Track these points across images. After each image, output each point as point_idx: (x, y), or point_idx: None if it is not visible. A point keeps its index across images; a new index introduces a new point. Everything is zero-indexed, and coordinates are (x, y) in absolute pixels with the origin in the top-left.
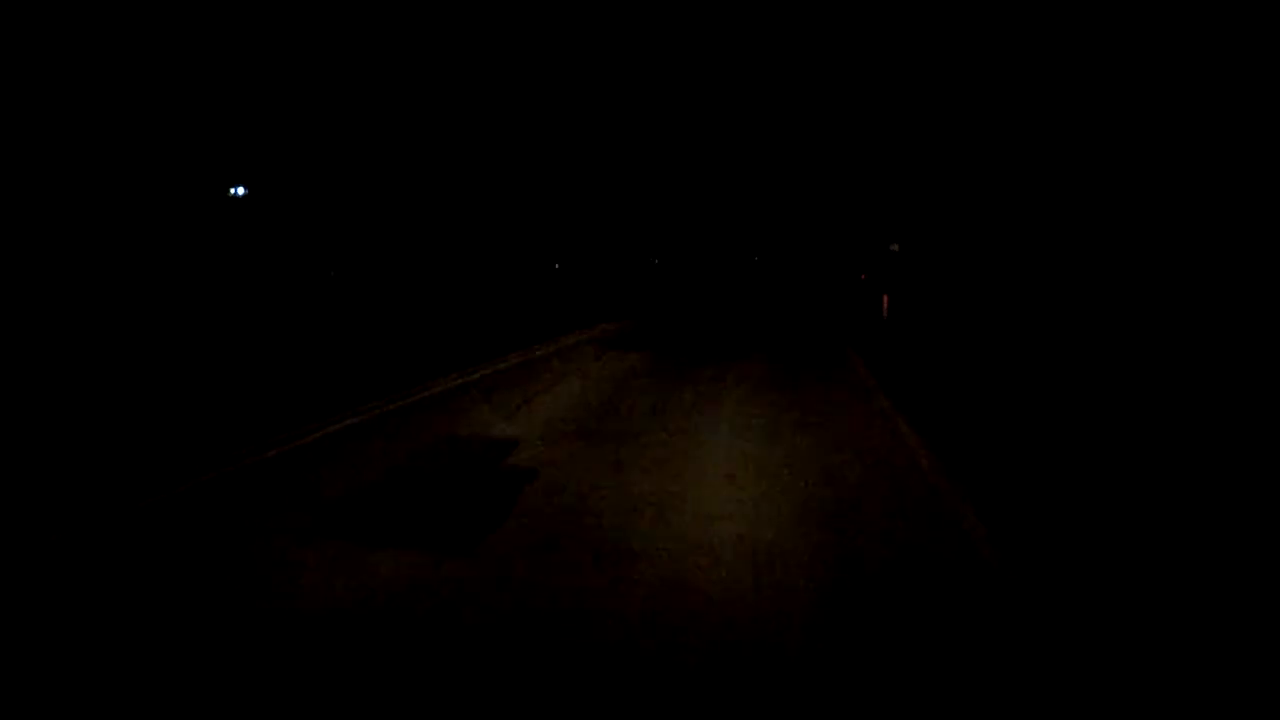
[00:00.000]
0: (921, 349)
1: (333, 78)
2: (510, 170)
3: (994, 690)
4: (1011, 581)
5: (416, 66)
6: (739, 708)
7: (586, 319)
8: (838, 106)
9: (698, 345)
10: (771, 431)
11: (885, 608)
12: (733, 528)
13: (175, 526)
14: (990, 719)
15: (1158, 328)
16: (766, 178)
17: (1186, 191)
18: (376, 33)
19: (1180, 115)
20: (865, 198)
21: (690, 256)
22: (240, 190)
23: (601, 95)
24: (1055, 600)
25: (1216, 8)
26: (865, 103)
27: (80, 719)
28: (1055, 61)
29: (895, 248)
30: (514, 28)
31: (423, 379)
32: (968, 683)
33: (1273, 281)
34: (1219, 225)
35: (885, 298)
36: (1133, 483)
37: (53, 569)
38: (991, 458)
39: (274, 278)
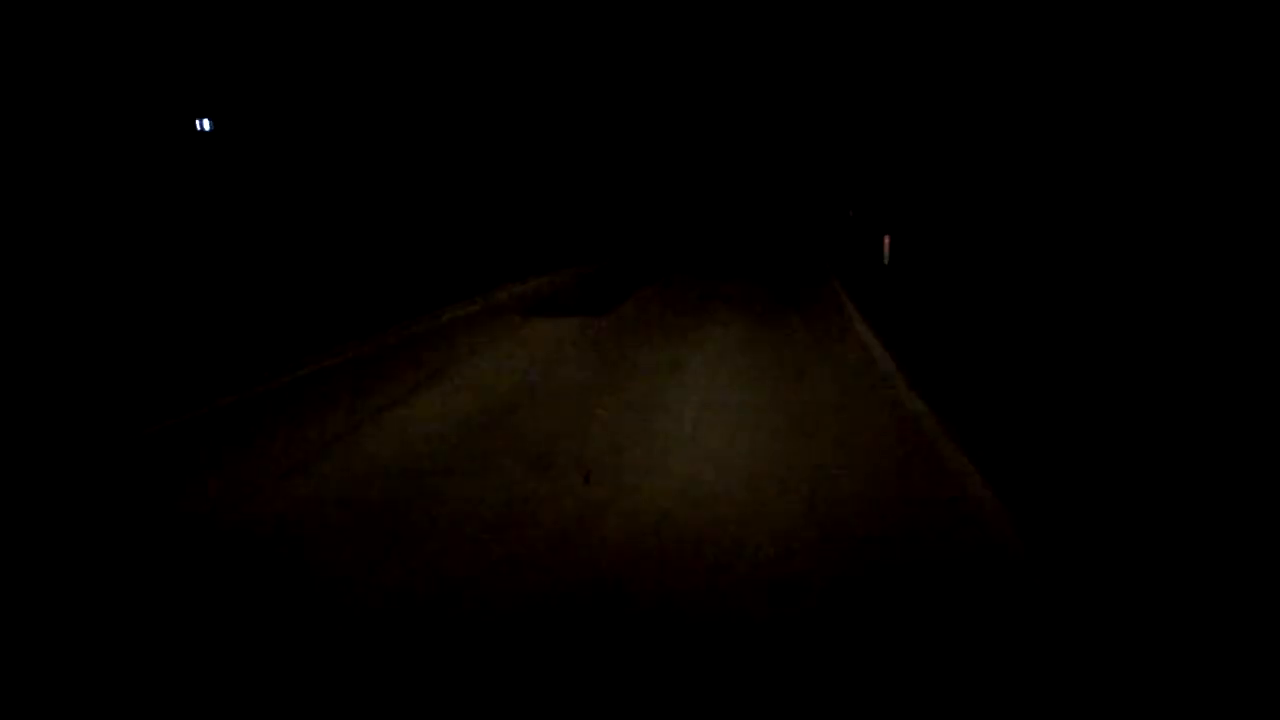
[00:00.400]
0: (950, 316)
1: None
2: (435, 87)
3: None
4: None
5: None
6: None
7: (529, 266)
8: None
9: (650, 306)
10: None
11: None
12: None
13: None
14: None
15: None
16: (735, 96)
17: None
18: None
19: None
20: (849, 123)
21: (651, 187)
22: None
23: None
24: None
25: None
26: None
27: None
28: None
29: (881, 179)
30: None
31: (233, 383)
32: None
33: None
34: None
35: (886, 240)
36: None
37: None
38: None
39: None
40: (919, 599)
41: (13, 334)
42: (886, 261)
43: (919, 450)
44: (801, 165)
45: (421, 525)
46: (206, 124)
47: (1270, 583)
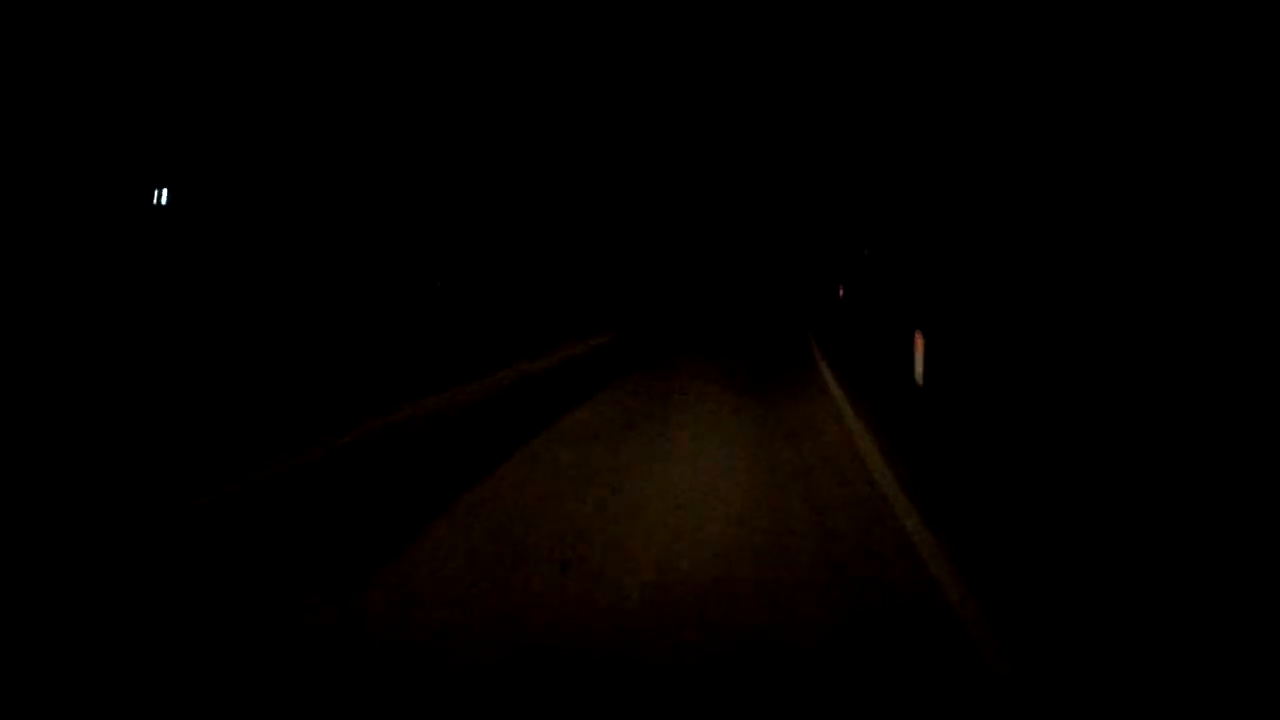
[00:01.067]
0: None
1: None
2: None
3: None
4: None
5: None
6: None
7: (454, 371)
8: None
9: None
10: None
11: None
12: None
13: None
14: None
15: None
16: (710, 169)
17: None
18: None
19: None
20: (835, 191)
21: (608, 262)
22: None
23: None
24: None
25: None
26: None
27: None
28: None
29: (867, 252)
30: None
31: None
32: None
33: None
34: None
35: (919, 340)
36: None
37: None
38: None
39: None
40: None
41: None
42: (920, 380)
43: None
44: (791, 248)
45: None
46: (164, 196)
47: None
